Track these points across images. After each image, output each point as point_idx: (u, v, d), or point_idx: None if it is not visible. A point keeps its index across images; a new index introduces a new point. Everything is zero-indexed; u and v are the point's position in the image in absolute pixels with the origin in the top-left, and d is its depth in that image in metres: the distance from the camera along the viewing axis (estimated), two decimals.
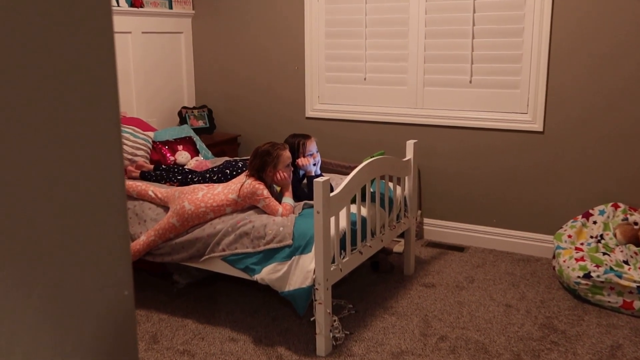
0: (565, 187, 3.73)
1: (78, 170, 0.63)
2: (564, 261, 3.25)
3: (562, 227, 3.56)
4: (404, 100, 4.09)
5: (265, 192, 2.90)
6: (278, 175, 2.97)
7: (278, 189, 3.17)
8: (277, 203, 2.91)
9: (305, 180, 3.26)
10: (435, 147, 4.04)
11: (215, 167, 3.57)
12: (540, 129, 3.72)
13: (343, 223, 2.78)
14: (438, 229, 4.12)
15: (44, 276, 0.61)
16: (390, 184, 3.34)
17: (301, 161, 3.18)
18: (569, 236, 3.44)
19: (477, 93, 3.86)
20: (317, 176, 3.18)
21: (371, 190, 3.08)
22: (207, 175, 3.43)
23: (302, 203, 3.02)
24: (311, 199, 2.93)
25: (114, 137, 0.68)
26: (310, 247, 2.65)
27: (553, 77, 3.63)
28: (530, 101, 3.72)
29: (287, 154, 3.00)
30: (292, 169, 3.08)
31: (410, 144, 3.44)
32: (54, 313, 0.62)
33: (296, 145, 3.20)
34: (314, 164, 3.23)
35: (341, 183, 2.76)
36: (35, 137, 0.60)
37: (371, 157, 3.04)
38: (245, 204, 2.95)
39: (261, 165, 2.95)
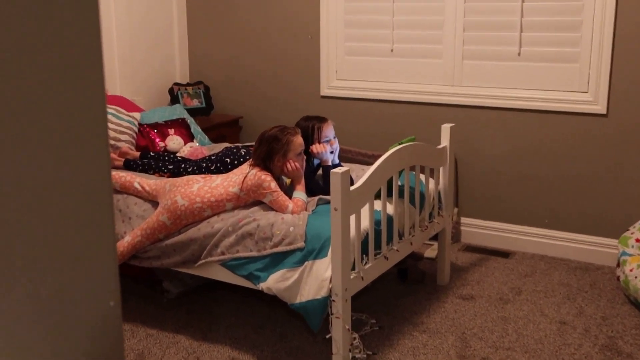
0: (632, 180, 3.69)
1: (54, 158, 0.62)
2: (631, 270, 3.22)
3: (628, 230, 3.53)
4: (438, 76, 4.07)
5: (273, 185, 2.90)
6: (288, 165, 2.97)
7: (288, 181, 3.16)
8: (286, 198, 2.91)
9: (320, 171, 3.26)
10: (476, 132, 4.02)
11: (213, 155, 3.57)
12: (604, 112, 3.68)
13: (365, 222, 2.78)
14: (478, 230, 4.10)
15: (13, 282, 0.60)
16: (422, 177, 3.32)
17: (316, 148, 3.17)
18: (637, 240, 3.41)
19: (527, 68, 3.83)
20: (334, 166, 3.17)
21: (399, 183, 3.06)
22: (204, 164, 3.44)
23: (316, 198, 3.02)
24: (327, 193, 2.92)
25: (98, 118, 0.67)
26: (326, 250, 2.65)
27: (619, 49, 3.59)
28: (591, 78, 3.68)
29: (299, 139, 3.00)
30: (305, 157, 3.08)
31: (445, 128, 3.42)
32: (22, 328, 0.61)
33: (310, 130, 3.19)
34: (331, 152, 3.23)
35: (363, 175, 2.75)
36: None
37: (399, 144, 3.03)
38: (249, 198, 2.95)
39: (268, 153, 2.96)
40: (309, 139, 3.18)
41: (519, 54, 3.82)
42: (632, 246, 3.39)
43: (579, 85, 3.72)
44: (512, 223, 4.02)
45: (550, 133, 3.83)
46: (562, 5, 3.68)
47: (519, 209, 3.99)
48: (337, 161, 3.28)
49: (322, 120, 3.25)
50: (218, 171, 3.37)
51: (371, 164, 3.00)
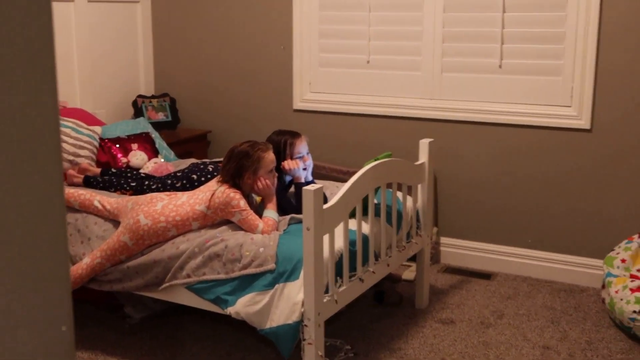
0: (618, 199, 3.75)
1: (2, 173, 0.62)
2: (617, 292, 3.27)
3: (614, 250, 3.57)
4: (417, 89, 4.11)
5: (242, 203, 2.90)
6: (259, 183, 2.98)
7: (258, 199, 3.17)
8: (256, 217, 2.92)
9: (292, 189, 3.27)
10: (456, 148, 4.06)
11: (179, 171, 3.57)
12: (588, 127, 3.74)
13: (340, 243, 2.79)
14: (459, 250, 4.14)
15: None
16: (399, 194, 3.35)
17: (288, 165, 3.19)
18: (623, 260, 3.46)
19: (508, 81, 3.89)
20: (307, 183, 3.19)
21: (375, 201, 3.09)
22: (169, 181, 3.44)
23: (288, 217, 3.03)
24: (300, 212, 2.93)
25: (51, 132, 0.67)
26: (298, 272, 2.65)
27: (603, 61, 3.66)
28: (575, 91, 3.74)
29: (270, 156, 3.01)
30: (277, 174, 3.10)
31: (424, 143, 3.45)
32: None
33: (282, 145, 3.21)
34: (304, 169, 3.24)
35: (337, 192, 2.77)
36: None
37: (375, 160, 3.05)
38: (217, 217, 2.95)
39: (237, 170, 2.96)
40: (281, 155, 3.20)
41: (500, 66, 3.88)
42: (618, 267, 3.44)
43: (562, 99, 3.78)
44: (494, 243, 4.05)
45: (533, 148, 3.88)
46: (545, 16, 3.75)
47: (501, 228, 4.03)
48: (310, 178, 3.29)
49: (295, 135, 3.26)
50: (184, 188, 3.37)
51: (346, 181, 3.02)
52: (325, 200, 3.03)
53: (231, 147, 3.05)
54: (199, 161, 3.78)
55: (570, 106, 3.77)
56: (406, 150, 3.99)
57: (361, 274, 2.92)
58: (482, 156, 4.01)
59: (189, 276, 2.83)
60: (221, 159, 3.36)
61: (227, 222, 2.98)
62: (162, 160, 4.05)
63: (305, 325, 2.61)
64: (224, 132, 4.71)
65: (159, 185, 3.42)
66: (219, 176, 3.05)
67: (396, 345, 3.15)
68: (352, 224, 2.91)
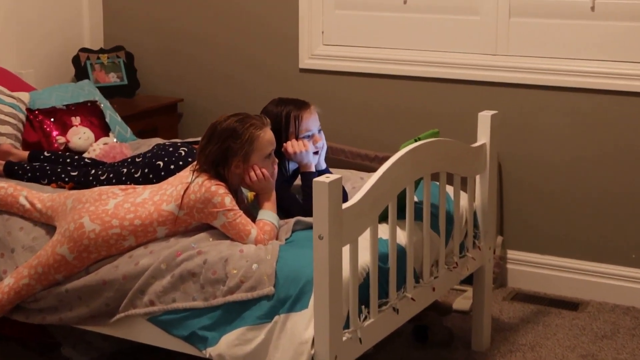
0: None
1: None
2: None
3: None
4: (473, 41, 4.09)
5: (228, 201, 2.89)
6: (252, 173, 2.96)
7: (251, 195, 3.15)
8: (248, 221, 2.91)
9: (298, 181, 3.25)
10: (530, 124, 4.03)
11: (138, 155, 3.56)
12: None
13: (365, 257, 2.77)
14: (533, 269, 4.11)
15: None
16: (450, 189, 3.34)
17: (292, 147, 3.17)
18: None
19: (604, 28, 3.86)
20: (319, 173, 3.16)
21: (415, 199, 3.07)
22: (125, 169, 3.43)
23: (292, 221, 3.01)
24: (309, 213, 2.91)
25: None
26: (307, 299, 2.63)
27: None
28: None
29: (267, 135, 2.99)
30: (277, 161, 3.08)
31: (485, 117, 3.43)
32: None
33: (284, 120, 3.19)
34: (315, 153, 3.22)
35: (362, 186, 2.75)
36: None
37: (416, 141, 3.03)
38: (192, 221, 2.94)
39: (222, 155, 2.94)
40: (283, 134, 3.18)
41: (592, 9, 3.86)
42: None
43: None
44: (583, 259, 4.03)
45: (638, 126, 3.86)
46: None
47: (594, 238, 4.01)
48: (323, 166, 3.28)
49: (302, 105, 3.24)
50: (146, 180, 3.35)
51: (374, 169, 2.99)
52: (346, 198, 3.01)
53: (213, 123, 3.03)
54: (166, 142, 3.76)
55: None
56: (459, 127, 3.97)
57: (395, 302, 2.89)
58: (568, 135, 3.98)
59: (152, 303, 2.82)
60: (198, 139, 3.35)
61: (206, 227, 2.96)
62: (115, 140, 4.03)
63: None
64: (201, 101, 4.70)
65: (111, 175, 3.41)
66: (195, 163, 3.03)
67: None
68: (383, 230, 2.89)
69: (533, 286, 4.11)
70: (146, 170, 3.39)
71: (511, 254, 4.15)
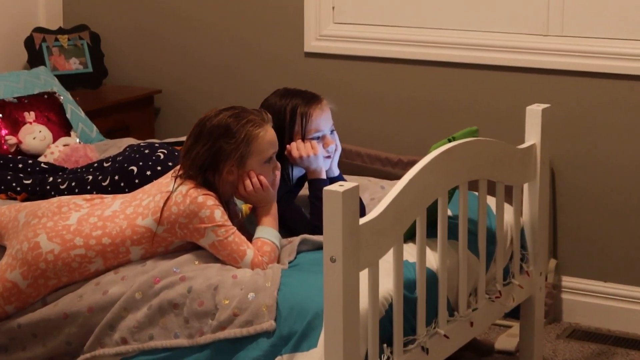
0: None
1: None
2: None
3: None
4: (520, 20, 4.10)
5: (219, 215, 2.89)
6: (248, 182, 2.97)
7: (246, 208, 3.15)
8: (243, 239, 2.91)
9: (306, 191, 3.26)
10: (592, 119, 4.03)
11: (107, 159, 3.57)
12: None
13: (388, 284, 2.77)
14: (594, 300, 4.11)
15: None
16: (491, 201, 3.34)
17: (299, 150, 3.18)
18: None
19: None
20: (332, 181, 3.16)
21: (449, 213, 3.07)
22: (89, 177, 3.44)
23: (297, 239, 3.02)
24: (318, 230, 2.91)
25: None
26: (316, 336, 2.64)
27: None
28: None
29: (268, 134, 3.00)
30: (279, 166, 3.08)
31: (534, 112, 3.42)
32: None
33: (288, 116, 3.20)
34: (327, 157, 3.23)
35: (384, 197, 2.75)
36: None
37: (450, 141, 3.03)
38: (174, 239, 2.94)
39: (211, 158, 2.95)
40: (286, 133, 3.19)
41: None
42: None
43: None
44: None
45: None
46: None
47: None
48: (336, 173, 3.29)
49: (312, 99, 3.25)
50: (116, 189, 3.37)
51: (398, 177, 2.99)
52: (363, 211, 3.01)
53: (200, 119, 3.03)
54: (141, 142, 3.76)
55: None
56: (503, 124, 3.98)
57: (425, 340, 2.88)
58: (638, 134, 3.99)
59: (125, 342, 2.82)
60: (181, 139, 3.36)
61: (191, 247, 2.97)
62: (78, 140, 4.05)
63: None
64: (184, 93, 4.72)
65: (73, 183, 3.43)
66: (177, 168, 3.03)
67: None
68: (410, 251, 2.90)
69: (594, 321, 4.10)
70: (116, 178, 3.40)
71: (567, 281, 4.15)
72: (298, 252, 2.97)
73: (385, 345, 2.74)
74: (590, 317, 4.11)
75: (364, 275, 2.61)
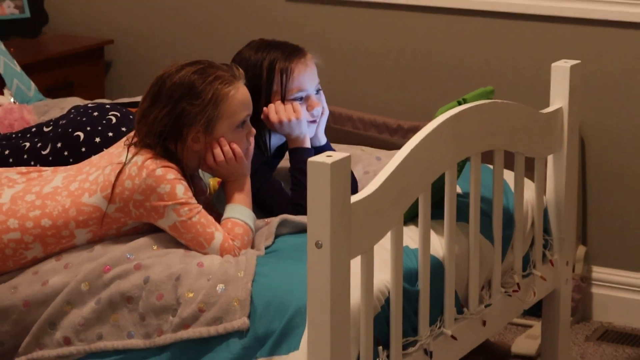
0: None
1: None
2: None
3: None
4: None
5: (181, 191, 2.89)
6: (217, 150, 2.97)
7: (214, 182, 3.16)
8: (211, 220, 2.92)
9: (286, 162, 3.27)
10: (631, 79, 4.03)
11: (47, 122, 3.59)
12: None
13: (385, 275, 2.77)
14: (629, 295, 4.13)
15: None
16: (510, 176, 3.34)
17: (277, 113, 3.19)
18: None
19: None
20: (318, 151, 3.17)
21: (459, 190, 3.08)
22: (27, 143, 3.45)
23: (275, 220, 3.03)
24: (301, 210, 2.92)
25: None
26: (297, 337, 2.65)
27: None
28: None
29: (240, 93, 3.00)
30: (254, 132, 3.09)
31: (561, 69, 3.42)
32: None
33: (265, 73, 3.21)
34: (312, 121, 3.25)
35: (380, 170, 2.73)
36: None
37: (460, 104, 3.02)
38: (128, 219, 2.95)
39: (173, 123, 2.95)
40: (263, 93, 3.21)
41: None
42: None
43: None
44: None
45: None
46: None
47: None
48: (323, 141, 3.31)
49: (294, 53, 3.27)
50: (59, 159, 3.37)
51: (397, 146, 2.99)
52: (356, 187, 3.01)
53: (159, 75, 3.03)
54: (88, 103, 3.77)
55: None
56: (523, 83, 3.99)
57: (428, 341, 2.90)
58: None
59: (68, 342, 2.83)
60: (136, 100, 3.34)
61: (149, 229, 2.98)
62: (12, 100, 4.06)
63: None
64: (140, 44, 4.74)
65: (7, 151, 3.43)
66: (131, 135, 3.03)
67: None
68: (411, 236, 2.90)
69: (630, 320, 4.13)
70: (59, 145, 3.40)
71: (598, 272, 4.16)
72: (276, 236, 2.98)
73: (380, 347, 2.75)
74: (625, 315, 4.14)
75: (355, 264, 2.61)
